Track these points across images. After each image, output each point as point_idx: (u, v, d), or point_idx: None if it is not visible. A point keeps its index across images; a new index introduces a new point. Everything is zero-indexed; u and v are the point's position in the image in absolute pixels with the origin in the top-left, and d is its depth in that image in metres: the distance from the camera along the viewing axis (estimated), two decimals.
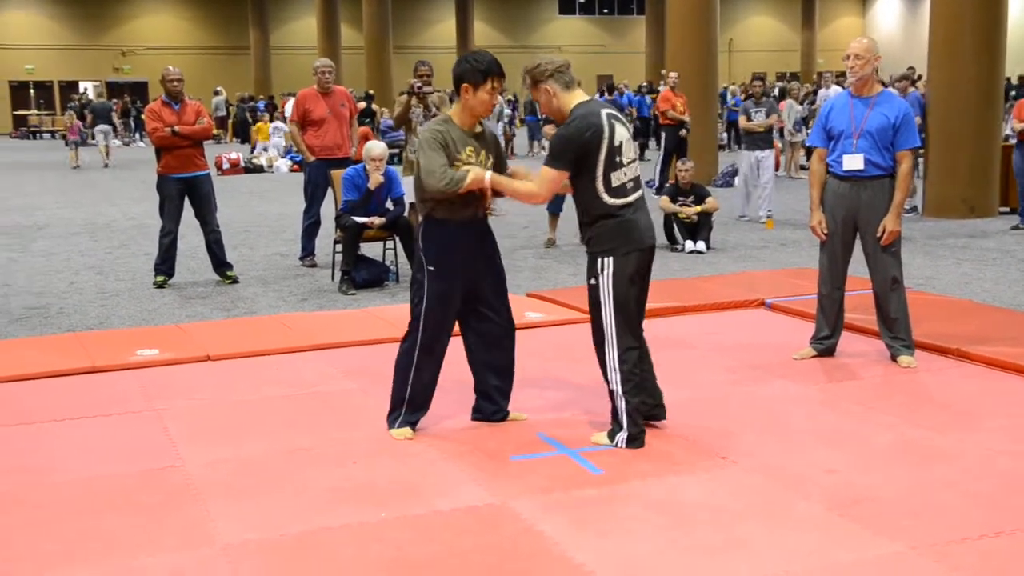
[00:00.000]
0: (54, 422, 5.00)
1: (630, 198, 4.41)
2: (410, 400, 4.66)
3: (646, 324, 4.65)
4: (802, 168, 18.05)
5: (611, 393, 4.47)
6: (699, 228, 10.16)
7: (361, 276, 8.42)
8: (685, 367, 5.81)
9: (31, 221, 13.64)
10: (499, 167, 4.65)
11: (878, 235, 5.61)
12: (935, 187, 12.45)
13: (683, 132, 14.78)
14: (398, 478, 4.19)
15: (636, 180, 4.46)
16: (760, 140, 12.19)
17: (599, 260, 4.39)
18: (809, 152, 18.26)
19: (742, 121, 12.29)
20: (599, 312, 4.43)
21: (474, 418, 4.88)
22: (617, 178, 4.36)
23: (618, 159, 4.35)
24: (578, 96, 4.43)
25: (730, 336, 6.49)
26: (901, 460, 4.30)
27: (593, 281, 4.43)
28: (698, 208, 10.12)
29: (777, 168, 17.95)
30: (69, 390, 5.52)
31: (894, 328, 5.77)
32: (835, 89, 18.18)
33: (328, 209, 9.52)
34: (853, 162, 5.60)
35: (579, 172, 4.34)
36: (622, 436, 4.46)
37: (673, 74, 15.28)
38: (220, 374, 5.81)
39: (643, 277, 4.49)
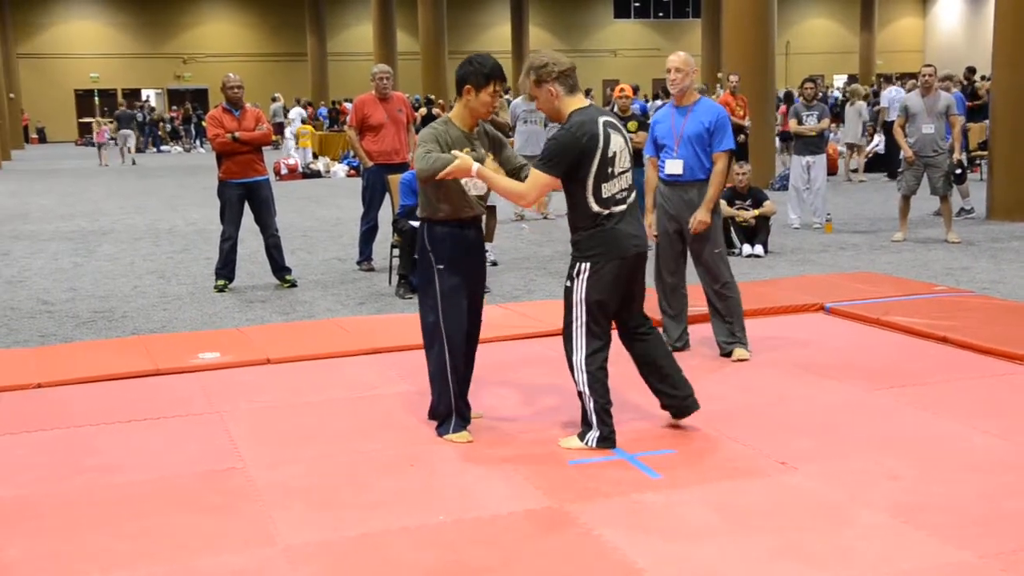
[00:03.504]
0: (119, 423, 5.09)
1: (618, 208, 4.46)
2: (456, 404, 4.69)
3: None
4: (852, 171, 17.76)
5: (579, 395, 4.53)
6: (757, 232, 10.08)
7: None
8: (744, 372, 5.77)
9: (96, 226, 13.91)
10: (504, 165, 4.72)
11: (692, 228, 5.89)
12: (999, 189, 12.21)
13: (740, 137, 14.60)
14: (456, 481, 4.21)
15: (628, 189, 4.52)
16: (812, 144, 11.96)
17: (577, 264, 4.47)
18: (885, 158, 17.93)
19: (792, 125, 12.09)
20: (570, 314, 4.50)
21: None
22: (607, 189, 4.42)
23: (610, 169, 4.41)
24: (579, 102, 4.49)
25: (789, 340, 6.42)
26: (966, 467, 4.22)
27: (568, 283, 4.51)
28: (756, 212, 10.03)
29: (835, 171, 17.76)
30: (133, 392, 5.62)
31: (728, 330, 6.04)
32: (897, 90, 17.85)
33: (386, 214, 9.58)
34: (674, 167, 5.98)
35: (570, 179, 4.40)
36: (592, 435, 4.50)
37: (734, 77, 15.10)
38: (280, 377, 5.87)
39: (627, 283, 4.54)
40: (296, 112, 25.58)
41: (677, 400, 4.72)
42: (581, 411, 4.55)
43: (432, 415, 4.86)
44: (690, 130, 5.90)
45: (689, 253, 6.09)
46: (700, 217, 5.87)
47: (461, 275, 4.63)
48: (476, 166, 4.43)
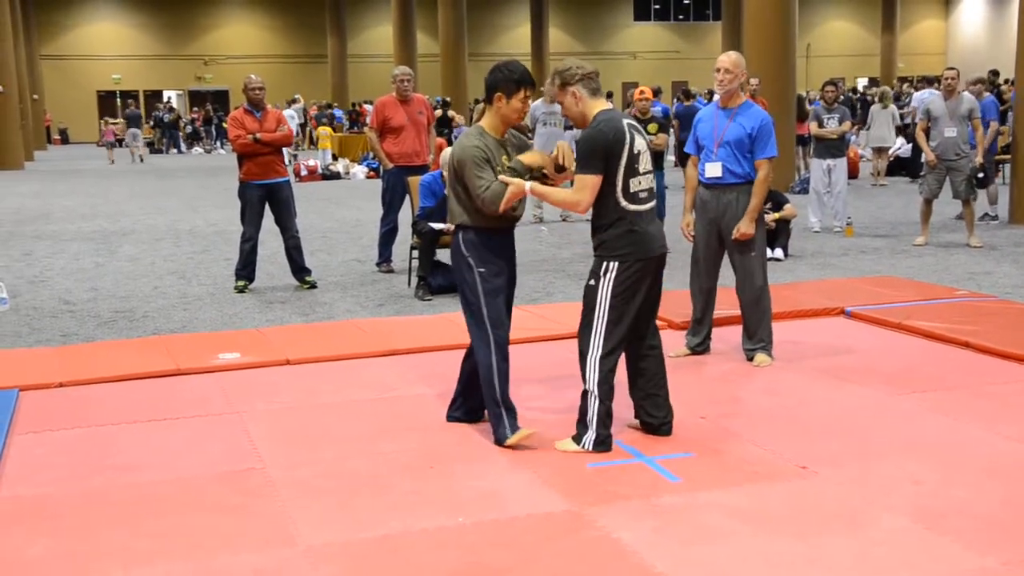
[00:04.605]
0: (139, 423, 5.11)
1: (644, 207, 4.50)
2: (504, 403, 4.62)
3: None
4: (876, 175, 17.63)
5: (584, 393, 4.52)
6: (777, 235, 10.01)
7: (437, 282, 8.47)
8: (764, 375, 5.75)
9: (117, 227, 13.99)
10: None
11: (733, 237, 5.86)
12: (1023, 192, 12.11)
13: None
14: (475, 483, 4.20)
15: (650, 191, 4.56)
16: (832, 147, 11.88)
17: (604, 263, 4.48)
18: (909, 161, 17.71)
19: (813, 128, 12.02)
20: (592, 312, 4.49)
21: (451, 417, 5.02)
22: (635, 184, 4.46)
23: (636, 166, 4.45)
24: (602, 104, 4.54)
25: (810, 344, 6.39)
26: (989, 472, 4.19)
27: (592, 282, 4.52)
28: (776, 215, 9.97)
29: (857, 175, 17.64)
30: (154, 392, 5.64)
31: (754, 335, 5.99)
32: (931, 92, 17.65)
33: (405, 216, 9.60)
34: (712, 170, 5.93)
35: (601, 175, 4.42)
36: (589, 437, 4.49)
37: (754, 80, 15.04)
38: (299, 378, 5.88)
39: (651, 285, 4.57)
40: (289, 113, 25.54)
41: (655, 420, 4.71)
42: (580, 411, 4.53)
43: (474, 417, 4.89)
44: (731, 135, 5.86)
45: (727, 256, 6.05)
46: (743, 229, 5.84)
47: (502, 275, 4.65)
48: (529, 185, 4.49)
